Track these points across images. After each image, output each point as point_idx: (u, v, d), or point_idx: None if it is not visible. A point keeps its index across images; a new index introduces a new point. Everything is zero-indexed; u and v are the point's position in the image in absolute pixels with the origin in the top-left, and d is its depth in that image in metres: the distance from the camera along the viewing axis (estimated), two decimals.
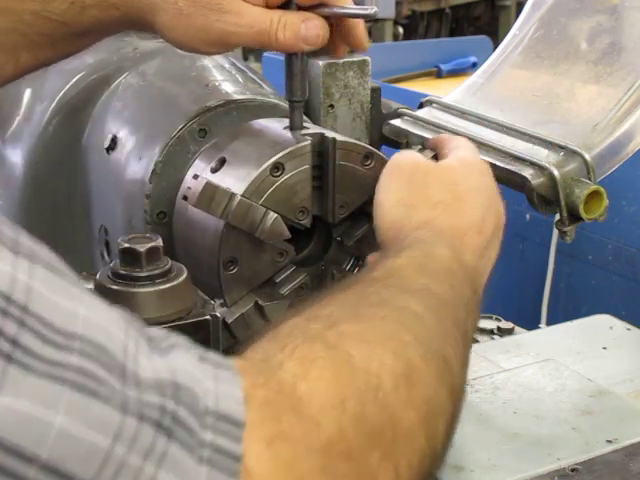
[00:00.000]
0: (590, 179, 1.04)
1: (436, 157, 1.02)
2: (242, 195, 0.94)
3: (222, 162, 1.02)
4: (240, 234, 0.97)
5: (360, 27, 1.02)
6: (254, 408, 0.56)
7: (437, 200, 0.92)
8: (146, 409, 0.52)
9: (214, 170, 1.02)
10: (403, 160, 0.98)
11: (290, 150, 0.97)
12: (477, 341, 1.28)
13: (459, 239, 0.89)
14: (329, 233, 1.05)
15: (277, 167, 0.96)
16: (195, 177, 1.00)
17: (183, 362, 0.56)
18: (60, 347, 0.50)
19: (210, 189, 0.93)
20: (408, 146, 1.17)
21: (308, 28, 0.95)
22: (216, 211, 0.94)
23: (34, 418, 0.48)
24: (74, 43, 1.03)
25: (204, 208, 0.94)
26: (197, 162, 1.07)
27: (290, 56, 1.00)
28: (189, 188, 1.02)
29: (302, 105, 1.02)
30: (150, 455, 0.51)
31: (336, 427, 0.59)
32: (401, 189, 0.94)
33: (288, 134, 1.01)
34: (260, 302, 1.00)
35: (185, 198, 1.02)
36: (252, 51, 5.40)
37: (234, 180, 0.98)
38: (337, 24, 1.01)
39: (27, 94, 1.25)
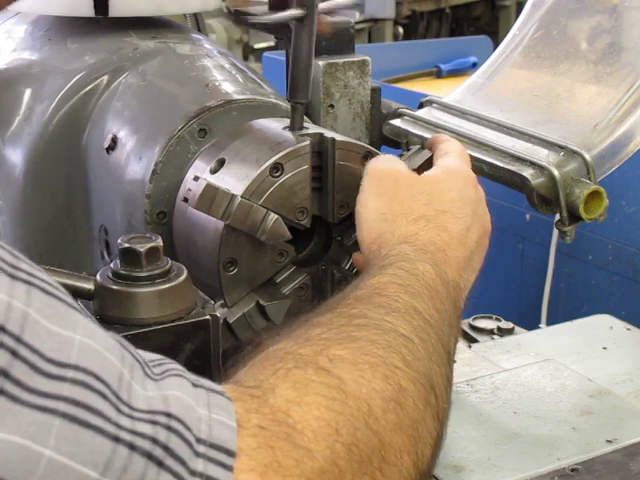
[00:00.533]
0: (590, 179, 1.04)
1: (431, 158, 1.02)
2: (242, 196, 0.94)
3: (221, 163, 1.02)
4: (240, 235, 0.97)
5: None
6: (248, 434, 0.56)
7: (419, 214, 0.91)
8: (138, 439, 0.52)
9: (213, 171, 1.02)
10: (384, 171, 0.96)
11: (289, 150, 0.97)
12: (477, 341, 1.28)
13: (442, 254, 0.88)
14: (329, 233, 1.05)
15: (277, 167, 0.96)
16: (195, 179, 1.00)
17: (177, 390, 0.56)
18: (52, 377, 0.50)
19: (210, 191, 0.93)
20: (407, 146, 1.17)
21: None
22: (217, 213, 0.94)
23: (23, 450, 0.48)
24: None
25: (205, 210, 0.94)
26: (197, 162, 1.07)
27: (296, 56, 0.99)
28: (189, 190, 1.02)
29: (304, 106, 1.02)
30: None
31: (329, 455, 0.59)
32: (383, 203, 0.92)
33: (288, 134, 1.01)
34: (261, 302, 1.00)
35: (186, 200, 1.02)
36: (252, 51, 5.40)
37: (234, 181, 0.98)
38: None
39: (27, 94, 1.25)
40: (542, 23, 1.25)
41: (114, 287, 0.89)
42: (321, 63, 1.11)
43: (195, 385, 0.58)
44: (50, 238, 1.23)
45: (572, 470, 0.91)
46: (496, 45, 1.31)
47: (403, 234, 0.89)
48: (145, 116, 1.17)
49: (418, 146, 1.09)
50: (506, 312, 1.39)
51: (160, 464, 0.52)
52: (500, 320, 1.33)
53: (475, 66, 3.03)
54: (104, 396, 0.52)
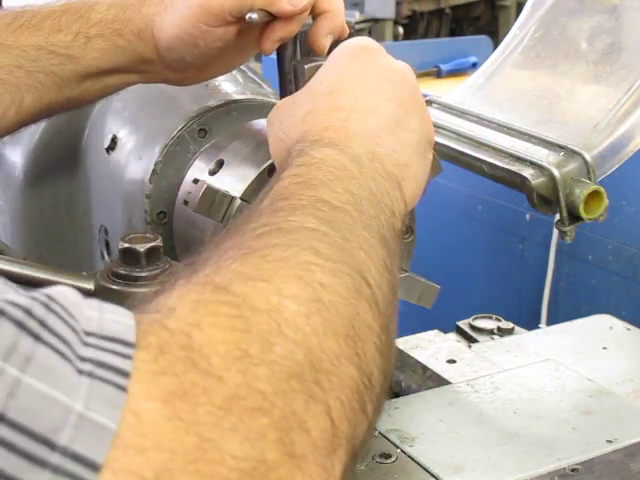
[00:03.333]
0: (590, 179, 1.04)
1: None
2: (241, 197, 0.94)
3: (220, 164, 1.02)
4: None
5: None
6: (148, 358, 0.50)
7: (305, 111, 0.82)
8: (7, 306, 0.46)
9: (212, 172, 1.02)
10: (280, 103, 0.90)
11: None
12: (477, 341, 1.28)
13: (342, 132, 0.78)
14: None
15: (275, 168, 0.97)
16: (195, 182, 1.00)
17: (64, 289, 0.50)
18: None
19: (210, 194, 0.93)
20: None
21: None
22: (216, 215, 0.94)
23: None
24: (79, 85, 1.00)
25: (204, 213, 0.94)
26: (197, 162, 1.07)
27: (280, 55, 0.99)
28: (189, 192, 1.02)
29: None
30: (11, 356, 0.44)
31: (242, 380, 0.52)
32: (274, 129, 0.87)
33: None
34: None
35: (186, 203, 1.03)
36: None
37: (233, 182, 0.98)
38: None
39: None
40: (542, 23, 1.25)
41: (114, 287, 0.89)
42: (321, 63, 1.10)
43: (87, 297, 0.52)
44: (50, 238, 1.24)
45: (572, 470, 0.91)
46: (496, 45, 1.31)
47: (296, 138, 0.80)
48: (145, 116, 1.17)
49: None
50: (506, 312, 1.39)
51: (37, 338, 0.45)
52: (500, 320, 1.33)
53: (475, 66, 3.03)
54: None
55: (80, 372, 0.46)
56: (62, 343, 0.47)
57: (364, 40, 0.90)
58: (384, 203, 0.74)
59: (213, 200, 0.93)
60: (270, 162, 0.97)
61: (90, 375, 0.46)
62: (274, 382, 0.53)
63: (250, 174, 0.96)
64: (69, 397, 0.45)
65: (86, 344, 0.48)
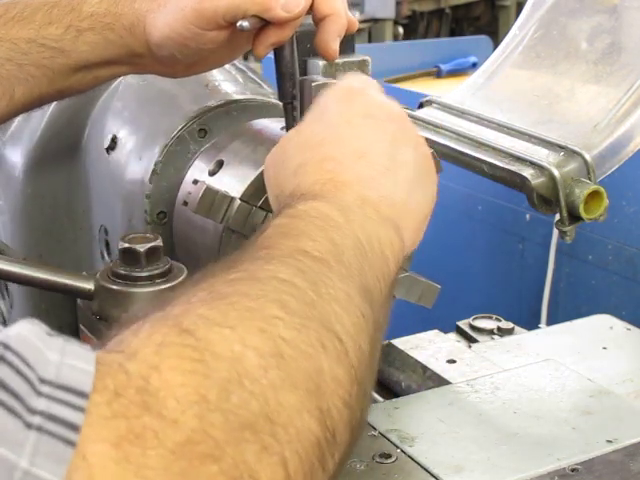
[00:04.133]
0: (590, 179, 1.04)
1: None
2: (240, 198, 0.94)
3: (220, 165, 1.02)
4: (240, 237, 0.97)
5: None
6: (102, 402, 0.50)
7: (297, 164, 0.81)
8: None
9: (212, 173, 1.02)
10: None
11: None
12: (477, 341, 1.28)
13: (331, 183, 0.77)
14: None
15: None
16: (195, 182, 1.00)
17: (24, 330, 0.50)
18: None
19: (210, 194, 0.93)
20: None
21: None
22: (216, 216, 0.94)
23: None
24: (70, 77, 1.00)
25: (204, 214, 0.94)
26: (197, 162, 1.07)
27: (278, 55, 0.99)
28: (189, 193, 1.02)
29: (294, 106, 1.01)
30: None
31: (197, 425, 0.52)
32: (270, 184, 0.86)
33: (284, 135, 1.01)
34: None
35: (185, 204, 1.03)
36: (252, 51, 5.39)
37: (232, 182, 0.98)
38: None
39: None
40: (542, 23, 1.25)
41: (114, 287, 0.89)
42: (321, 63, 1.10)
43: (51, 334, 0.52)
44: (50, 238, 1.24)
45: (572, 470, 0.91)
46: (496, 45, 1.31)
47: (288, 193, 0.79)
48: (145, 116, 1.17)
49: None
50: (506, 312, 1.39)
51: None
52: (500, 320, 1.33)
53: (475, 66, 3.03)
54: None
55: (29, 426, 0.46)
56: (12, 397, 0.47)
57: (347, 82, 0.89)
58: (372, 250, 0.73)
59: (213, 201, 0.93)
60: None
61: (39, 429, 0.46)
62: (228, 430, 0.53)
63: (250, 174, 0.96)
64: (15, 454, 0.45)
65: (39, 394, 0.48)
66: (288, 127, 1.01)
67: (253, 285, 0.63)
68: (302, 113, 0.97)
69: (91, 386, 0.50)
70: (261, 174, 0.96)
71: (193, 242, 1.03)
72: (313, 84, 0.95)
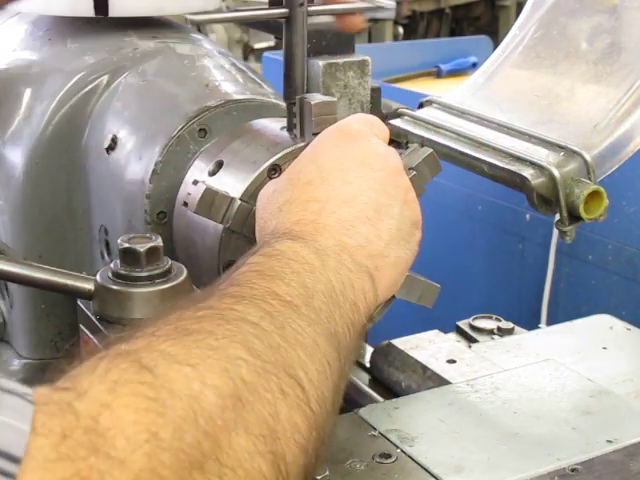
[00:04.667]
0: (590, 179, 1.04)
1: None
2: (240, 198, 0.95)
3: (220, 165, 1.02)
4: (239, 237, 0.97)
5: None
6: (47, 444, 0.49)
7: (283, 200, 0.82)
8: None
9: (212, 173, 1.02)
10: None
11: (287, 152, 0.97)
12: (477, 341, 1.28)
13: (312, 225, 0.78)
14: None
15: (274, 169, 0.97)
16: (195, 183, 1.00)
17: None
18: None
19: (209, 195, 0.93)
20: (407, 145, 1.17)
21: None
22: (216, 217, 0.94)
23: None
24: None
25: (204, 214, 0.94)
26: (197, 162, 1.07)
27: (289, 57, 1.00)
28: (189, 194, 1.02)
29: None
30: None
31: (146, 464, 0.51)
32: (258, 215, 0.87)
33: (285, 135, 1.01)
34: None
35: (185, 204, 1.03)
36: (252, 51, 5.40)
37: (232, 183, 0.98)
38: None
39: (27, 94, 1.25)
40: (542, 23, 1.25)
41: (114, 287, 0.89)
42: (321, 63, 1.11)
43: None
44: (50, 238, 1.23)
45: (572, 470, 0.91)
46: (496, 45, 1.31)
47: (271, 229, 0.81)
48: (145, 116, 1.17)
49: (416, 145, 1.08)
50: (506, 312, 1.39)
51: None
52: (500, 320, 1.33)
53: (475, 66, 3.03)
54: None
55: None
56: None
57: (347, 125, 0.89)
58: (344, 297, 0.73)
59: (212, 201, 0.93)
60: (270, 162, 0.97)
61: None
62: (177, 470, 0.52)
63: (250, 174, 0.96)
64: None
65: None
66: (289, 128, 1.01)
67: (220, 324, 0.62)
68: (301, 132, 0.97)
69: (25, 449, 0.48)
70: (261, 174, 0.97)
71: (193, 242, 1.03)
72: (312, 103, 0.95)
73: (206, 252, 1.00)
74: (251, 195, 0.95)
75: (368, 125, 0.89)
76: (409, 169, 0.95)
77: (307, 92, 1.03)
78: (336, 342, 0.70)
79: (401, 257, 0.83)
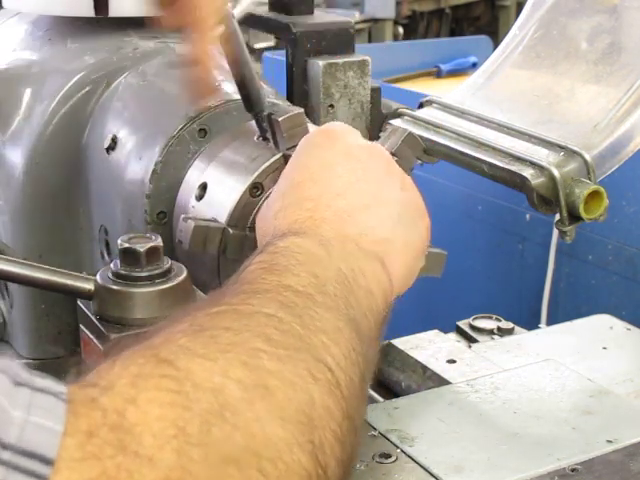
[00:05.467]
0: (590, 179, 1.04)
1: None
2: (228, 224, 0.95)
3: (204, 187, 1.03)
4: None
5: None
6: (73, 443, 0.48)
7: (277, 209, 0.82)
8: None
9: (199, 197, 1.02)
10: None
11: (264, 168, 0.97)
12: (477, 341, 1.28)
13: (310, 221, 0.78)
14: None
15: (256, 187, 0.97)
16: (185, 220, 0.99)
17: None
18: None
19: (201, 231, 0.94)
20: None
21: None
22: (212, 250, 0.95)
23: None
24: None
25: (200, 251, 0.95)
26: (197, 162, 1.07)
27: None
28: (181, 231, 1.00)
29: (262, 115, 1.01)
30: None
31: (175, 460, 0.49)
32: (258, 235, 0.87)
33: (262, 147, 1.00)
34: None
35: (180, 242, 1.02)
36: (252, 51, 5.40)
37: (217, 209, 0.98)
38: None
39: (27, 94, 1.25)
40: (542, 23, 1.25)
41: (114, 287, 0.89)
42: (321, 63, 1.11)
43: (18, 384, 0.49)
44: (50, 238, 1.23)
45: (572, 470, 0.91)
46: (496, 45, 1.31)
47: (270, 233, 0.80)
48: (145, 116, 1.17)
49: (392, 126, 1.06)
50: (506, 312, 1.39)
51: None
52: (500, 320, 1.33)
53: (475, 66, 3.03)
54: None
55: None
56: None
57: (327, 126, 0.89)
58: (357, 284, 0.73)
59: (205, 236, 0.93)
60: (248, 185, 0.96)
61: None
62: (209, 466, 0.51)
63: (231, 199, 0.96)
64: None
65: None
66: (263, 137, 1.01)
67: (236, 319, 0.62)
68: (276, 146, 0.97)
69: (57, 450, 0.47)
70: (242, 198, 0.96)
71: None
72: (280, 120, 0.94)
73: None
74: (239, 218, 0.96)
75: (345, 127, 0.89)
76: (391, 154, 0.92)
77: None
78: (356, 327, 0.68)
79: (410, 242, 0.83)
